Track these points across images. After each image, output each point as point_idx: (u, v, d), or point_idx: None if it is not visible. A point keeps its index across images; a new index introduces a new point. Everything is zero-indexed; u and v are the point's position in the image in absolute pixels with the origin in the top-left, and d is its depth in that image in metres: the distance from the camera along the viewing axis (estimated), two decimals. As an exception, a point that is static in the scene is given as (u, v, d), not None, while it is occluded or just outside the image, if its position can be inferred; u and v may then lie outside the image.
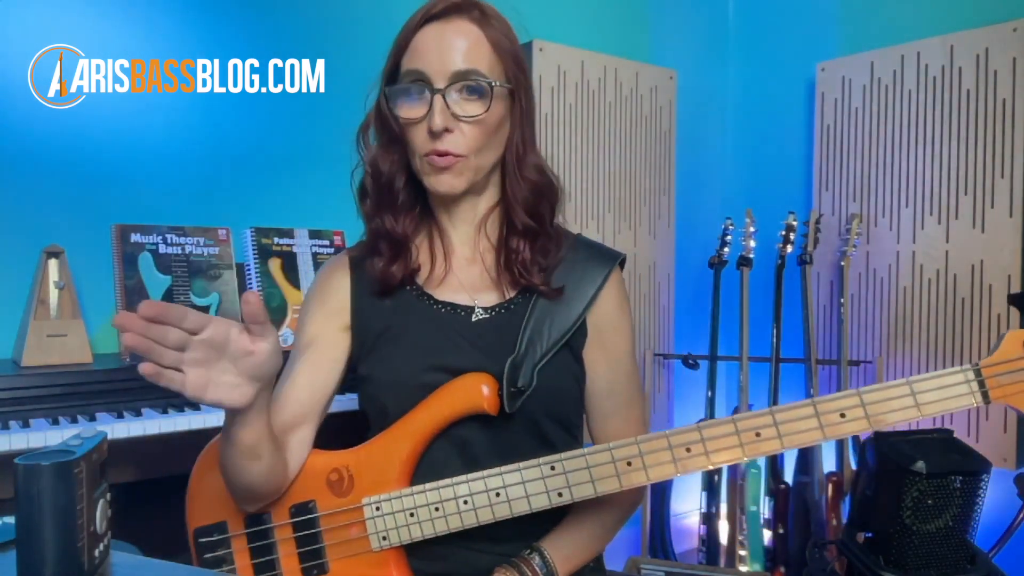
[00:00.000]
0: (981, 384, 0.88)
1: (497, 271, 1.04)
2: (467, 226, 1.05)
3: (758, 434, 0.91)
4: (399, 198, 1.03)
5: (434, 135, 0.94)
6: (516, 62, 1.00)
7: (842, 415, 0.89)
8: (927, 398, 0.87)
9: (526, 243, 1.02)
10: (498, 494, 0.94)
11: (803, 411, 0.90)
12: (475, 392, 0.97)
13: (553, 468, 0.94)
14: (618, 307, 1.07)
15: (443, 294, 1.04)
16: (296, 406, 1.01)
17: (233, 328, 0.78)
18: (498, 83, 0.96)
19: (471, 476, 0.95)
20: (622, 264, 1.08)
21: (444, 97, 0.94)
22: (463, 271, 1.05)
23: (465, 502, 0.95)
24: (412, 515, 0.97)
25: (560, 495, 0.94)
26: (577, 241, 1.08)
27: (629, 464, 0.93)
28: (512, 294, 1.03)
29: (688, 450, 0.92)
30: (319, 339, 1.05)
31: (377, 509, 0.97)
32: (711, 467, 0.93)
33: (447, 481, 0.96)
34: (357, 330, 1.05)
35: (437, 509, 0.96)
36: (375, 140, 1.03)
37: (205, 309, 1.74)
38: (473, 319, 1.02)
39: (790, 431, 0.90)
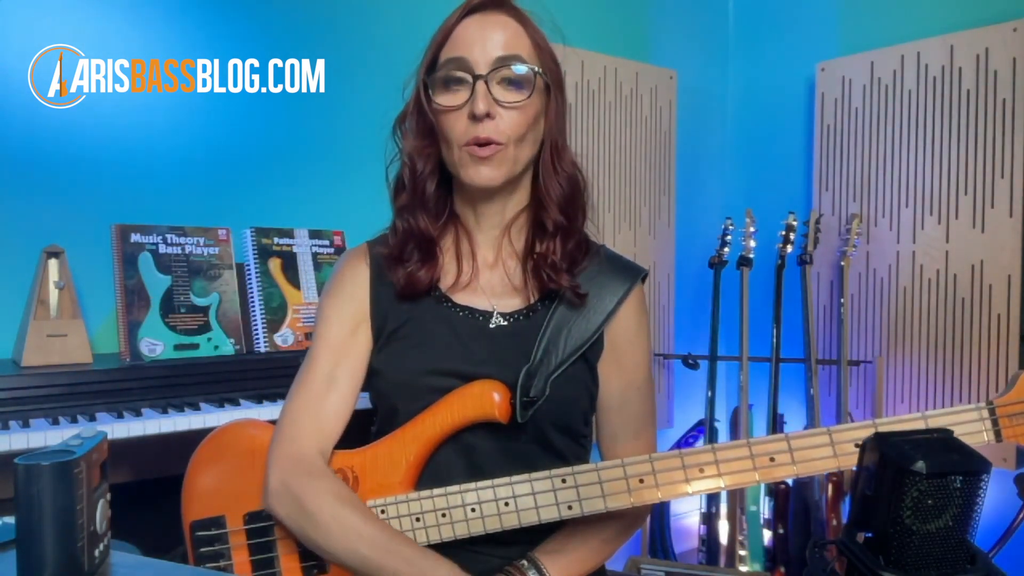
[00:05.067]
0: (995, 423, 0.91)
1: (522, 277, 1.03)
2: (493, 230, 1.04)
3: (772, 459, 0.91)
4: (431, 200, 1.02)
5: (476, 119, 0.93)
6: (553, 59, 1.01)
7: (856, 445, 0.89)
8: None
9: (555, 244, 1.01)
10: (507, 504, 0.94)
11: (818, 439, 0.92)
12: (487, 400, 0.96)
13: (564, 481, 0.93)
14: (637, 323, 1.06)
15: (463, 299, 1.03)
16: (347, 416, 1.02)
17: None
18: (539, 70, 0.97)
19: (480, 484, 0.94)
20: (643, 279, 1.07)
21: (486, 83, 0.94)
22: (484, 276, 1.05)
23: (473, 510, 0.94)
24: (418, 519, 0.96)
25: (570, 508, 0.93)
26: (602, 252, 1.07)
27: (641, 481, 0.93)
28: (536, 298, 1.02)
29: (701, 470, 0.92)
30: (354, 348, 1.03)
31: (382, 512, 0.97)
32: (723, 488, 0.94)
33: (455, 488, 0.95)
34: (375, 322, 1.04)
35: (444, 515, 0.95)
36: (411, 134, 1.02)
37: (205, 309, 1.74)
38: (491, 325, 1.01)
39: (804, 458, 0.91)
